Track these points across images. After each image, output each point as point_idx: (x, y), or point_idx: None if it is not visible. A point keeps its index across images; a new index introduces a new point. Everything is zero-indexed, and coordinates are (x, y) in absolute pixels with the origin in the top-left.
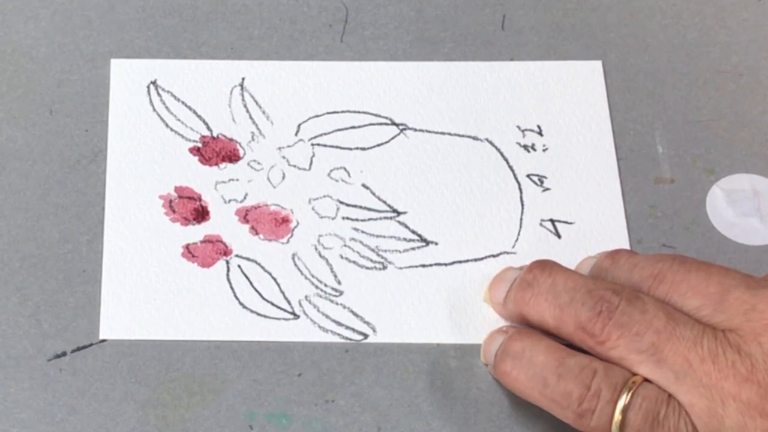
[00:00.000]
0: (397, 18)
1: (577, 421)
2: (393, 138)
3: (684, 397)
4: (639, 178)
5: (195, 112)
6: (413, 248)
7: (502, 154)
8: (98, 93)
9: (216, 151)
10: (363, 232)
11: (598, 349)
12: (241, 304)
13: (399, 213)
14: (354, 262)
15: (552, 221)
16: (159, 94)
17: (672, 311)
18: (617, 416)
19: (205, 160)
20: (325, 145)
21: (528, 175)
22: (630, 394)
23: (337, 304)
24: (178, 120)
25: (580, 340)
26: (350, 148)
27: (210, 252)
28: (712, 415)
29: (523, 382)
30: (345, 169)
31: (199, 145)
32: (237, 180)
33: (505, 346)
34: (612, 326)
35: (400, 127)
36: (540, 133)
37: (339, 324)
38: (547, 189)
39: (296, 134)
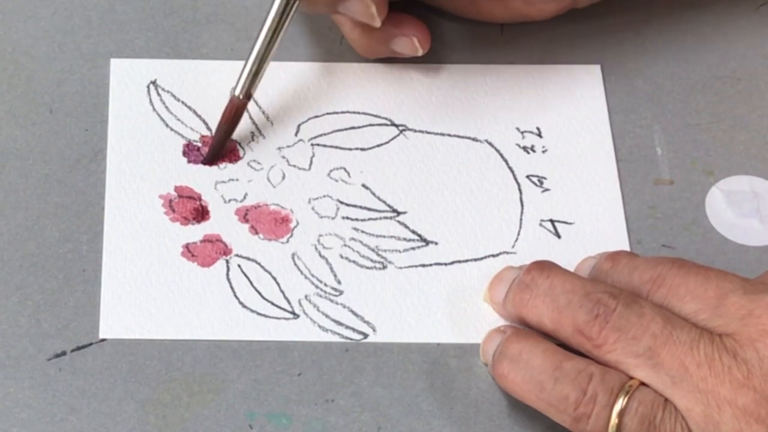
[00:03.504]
0: None
1: (574, 425)
2: (393, 138)
3: (680, 401)
4: (638, 180)
5: (195, 112)
6: (413, 248)
7: (501, 155)
8: (98, 93)
9: None
10: (363, 231)
11: (595, 353)
12: (241, 303)
13: (399, 213)
14: (354, 261)
15: (552, 221)
16: (159, 94)
17: (669, 315)
18: (614, 420)
19: None
20: (324, 146)
21: (528, 176)
22: (626, 398)
23: (337, 303)
24: (178, 120)
25: (578, 343)
26: (350, 149)
27: (210, 251)
28: (708, 421)
29: (519, 385)
30: (345, 170)
31: (199, 144)
32: (237, 180)
33: (502, 347)
34: (609, 330)
35: (400, 128)
36: (539, 135)
37: (339, 323)
38: (547, 190)
39: (296, 134)
